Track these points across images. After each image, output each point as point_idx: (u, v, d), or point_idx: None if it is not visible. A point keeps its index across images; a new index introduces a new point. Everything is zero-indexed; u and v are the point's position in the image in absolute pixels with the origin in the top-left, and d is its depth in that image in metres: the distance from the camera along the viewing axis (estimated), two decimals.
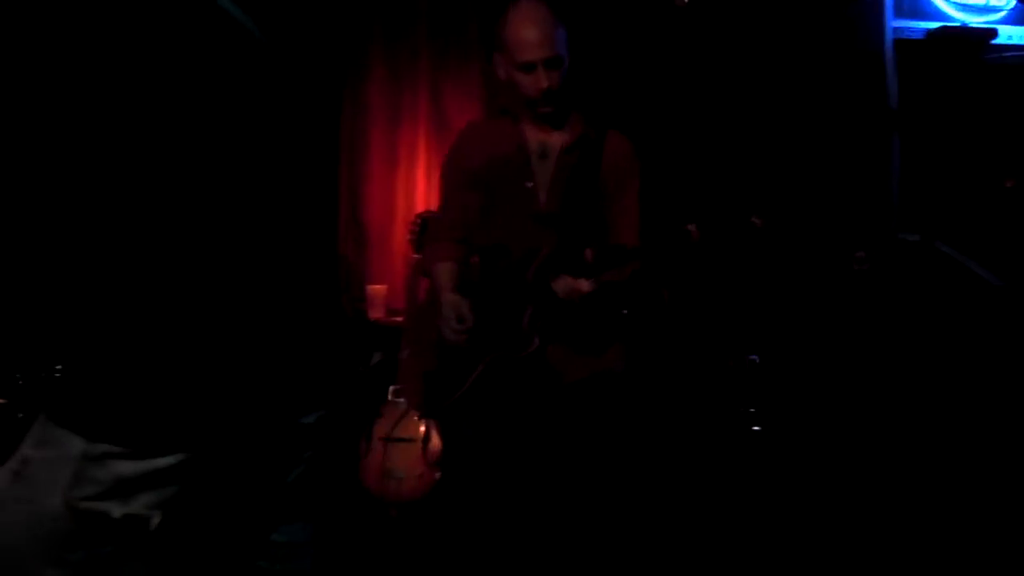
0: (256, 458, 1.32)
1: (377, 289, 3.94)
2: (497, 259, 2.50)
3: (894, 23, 4.41)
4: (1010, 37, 4.48)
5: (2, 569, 1.21)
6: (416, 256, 3.58)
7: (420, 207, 4.08)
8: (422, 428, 3.28)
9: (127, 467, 1.21)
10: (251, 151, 1.28)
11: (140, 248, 1.21)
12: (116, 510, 1.21)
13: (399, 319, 3.81)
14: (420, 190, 4.17)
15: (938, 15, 4.48)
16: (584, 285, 2.33)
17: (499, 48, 2.45)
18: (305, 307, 1.39)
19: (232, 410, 1.26)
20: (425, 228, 3.62)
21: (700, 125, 4.05)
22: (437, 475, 3.25)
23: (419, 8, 4.14)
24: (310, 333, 1.38)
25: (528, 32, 2.36)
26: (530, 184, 2.48)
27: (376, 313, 3.91)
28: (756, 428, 3.61)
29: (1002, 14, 4.51)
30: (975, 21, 4.50)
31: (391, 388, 3.39)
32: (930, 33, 4.42)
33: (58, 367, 1.30)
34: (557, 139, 2.50)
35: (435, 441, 3.27)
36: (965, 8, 4.51)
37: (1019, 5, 4.31)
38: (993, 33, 4.45)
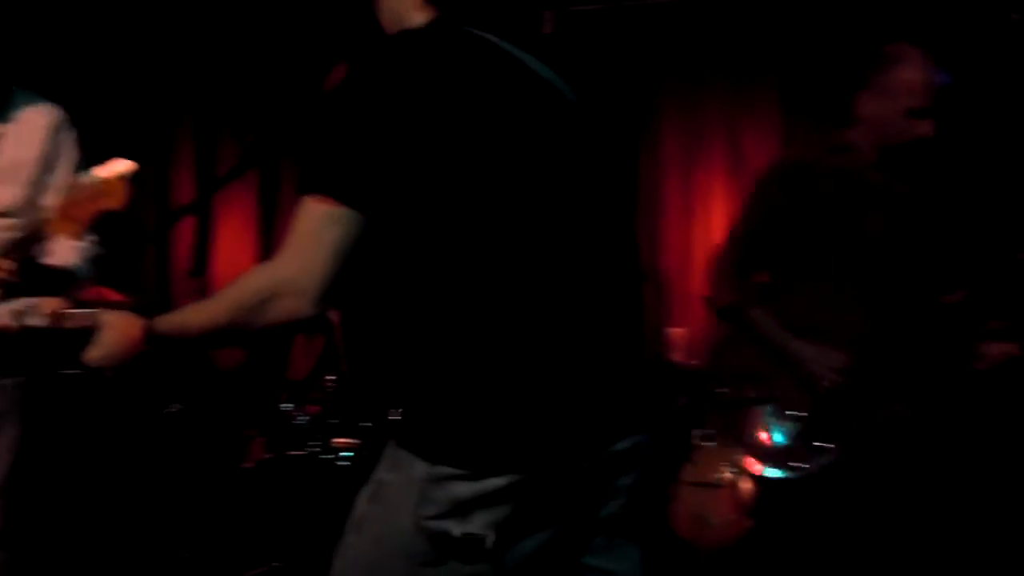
0: (575, 483, 1.35)
1: (678, 332, 3.95)
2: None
3: None
4: None
5: None
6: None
7: None
8: (731, 473, 3.21)
9: (465, 488, 1.27)
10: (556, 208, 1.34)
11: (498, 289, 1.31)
12: (455, 529, 1.28)
13: (700, 362, 3.78)
14: (718, 232, 4.14)
15: None
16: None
17: (870, 87, 2.40)
18: (622, 341, 1.42)
19: (559, 435, 1.31)
20: None
21: None
22: (749, 523, 3.16)
23: (714, 57, 4.15)
24: (625, 365, 1.41)
25: (921, 77, 2.34)
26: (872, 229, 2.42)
27: (678, 356, 3.90)
28: None
29: None
30: None
31: (696, 432, 3.35)
32: None
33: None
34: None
35: (748, 486, 3.18)
36: None
37: None
38: None
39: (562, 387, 1.31)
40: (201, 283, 4.51)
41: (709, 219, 4.17)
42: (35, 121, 2.31)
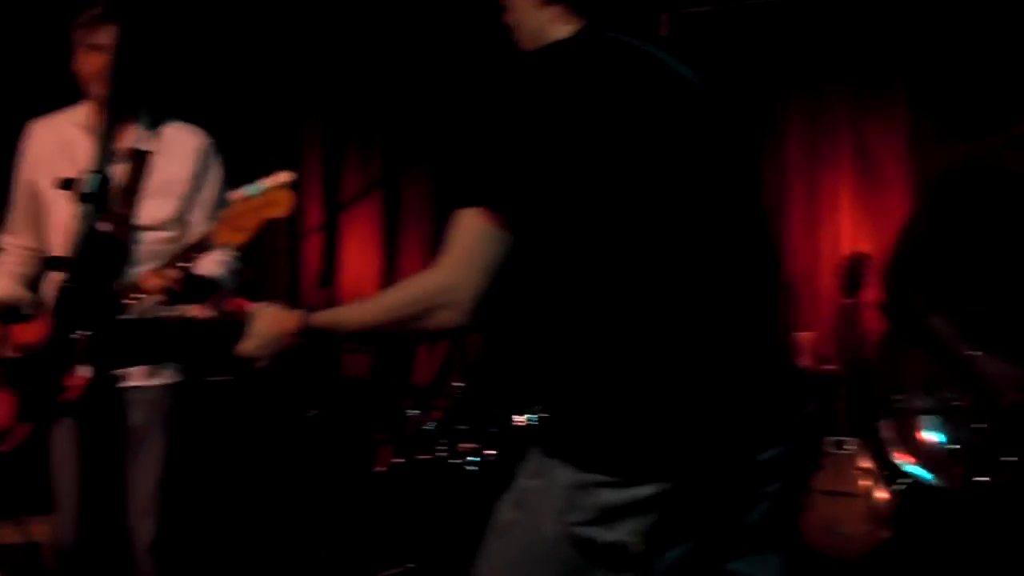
0: (722, 492, 1.33)
1: (805, 337, 3.85)
2: None
3: None
4: None
5: None
6: (848, 301, 3.45)
7: (846, 251, 3.93)
8: (866, 482, 3.11)
9: (614, 495, 1.26)
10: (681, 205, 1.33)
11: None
12: (603, 536, 1.27)
13: (829, 367, 3.68)
14: (845, 233, 4.03)
15: None
16: None
17: None
18: (764, 349, 1.40)
19: (709, 444, 1.29)
20: (855, 272, 3.48)
21: None
22: (886, 533, 3.05)
23: (837, 57, 4.04)
24: (768, 374, 1.38)
25: None
26: None
27: (806, 361, 3.81)
28: None
29: None
30: None
31: (829, 439, 3.27)
32: None
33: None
34: None
35: (882, 496, 3.08)
36: None
37: None
38: None
39: (712, 396, 1.30)
40: (329, 294, 4.67)
41: (835, 222, 4.06)
42: (184, 143, 2.49)
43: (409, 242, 4.68)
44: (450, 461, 3.05)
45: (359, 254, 4.72)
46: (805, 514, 3.18)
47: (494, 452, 3.06)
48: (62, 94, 2.55)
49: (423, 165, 4.59)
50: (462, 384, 3.36)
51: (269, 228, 1.96)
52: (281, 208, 1.96)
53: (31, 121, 2.57)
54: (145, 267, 2.29)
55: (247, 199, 1.96)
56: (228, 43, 4.29)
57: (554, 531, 1.29)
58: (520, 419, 3.16)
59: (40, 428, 2.42)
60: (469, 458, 3.06)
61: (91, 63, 2.40)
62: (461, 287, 1.32)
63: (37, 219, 2.52)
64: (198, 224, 2.46)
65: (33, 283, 2.58)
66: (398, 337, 1.45)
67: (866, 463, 3.17)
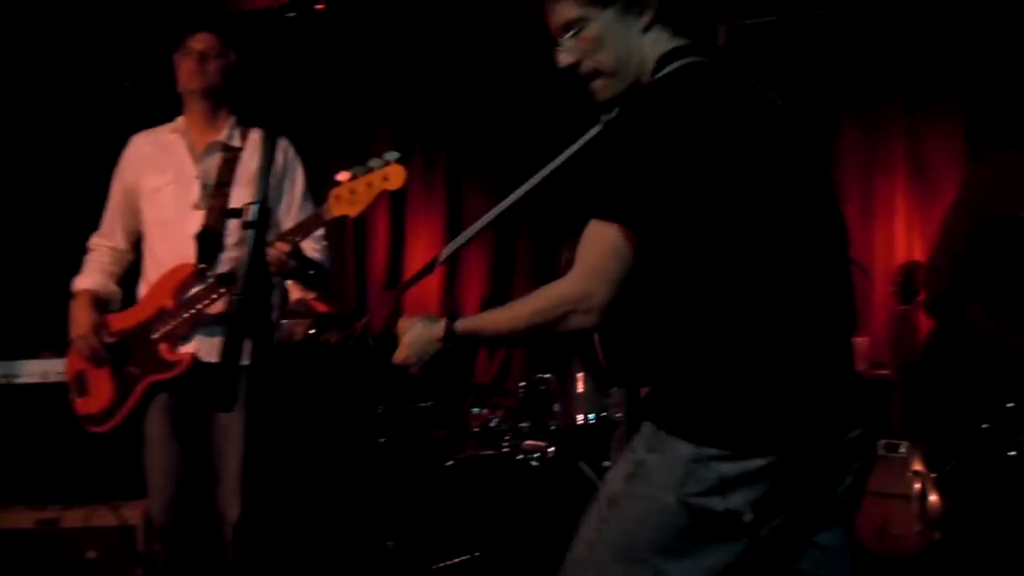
0: (821, 464, 1.47)
1: (859, 342, 3.91)
2: None
3: None
4: None
5: (621, 556, 1.48)
6: (903, 307, 3.51)
7: (900, 258, 3.98)
8: (918, 485, 3.18)
9: (728, 468, 1.42)
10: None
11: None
12: (718, 505, 1.42)
13: (883, 372, 3.73)
14: (900, 240, 4.08)
15: None
16: None
17: None
18: (847, 339, 1.55)
19: (809, 420, 1.44)
20: (910, 278, 3.54)
21: None
22: (937, 535, 3.12)
23: (893, 67, 4.10)
24: (850, 361, 1.54)
25: None
26: None
27: (859, 366, 3.86)
28: None
29: None
30: None
31: (882, 442, 3.33)
32: None
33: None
34: None
35: (934, 499, 3.14)
36: None
37: None
38: None
39: (809, 378, 1.46)
40: (394, 296, 4.85)
41: (890, 229, 4.11)
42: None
43: (471, 246, 4.83)
44: (516, 457, 3.19)
45: (424, 258, 4.89)
46: (857, 514, 3.26)
47: (553, 449, 3.19)
48: (161, 115, 2.79)
49: (487, 170, 4.73)
50: (523, 384, 3.50)
51: (339, 228, 2.15)
52: (395, 180, 2.21)
53: (133, 135, 2.81)
54: (236, 253, 2.51)
55: (356, 177, 2.19)
56: (309, 55, 4.47)
57: (674, 500, 1.44)
58: (580, 418, 3.30)
59: (137, 412, 2.63)
60: (531, 454, 3.20)
61: (185, 66, 2.64)
62: (595, 295, 1.48)
63: (134, 220, 2.75)
64: (287, 216, 2.68)
65: (119, 280, 2.82)
66: (538, 337, 1.58)
67: (919, 466, 3.24)
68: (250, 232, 1.32)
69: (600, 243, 1.48)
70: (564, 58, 1.63)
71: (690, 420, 1.46)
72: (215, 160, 2.67)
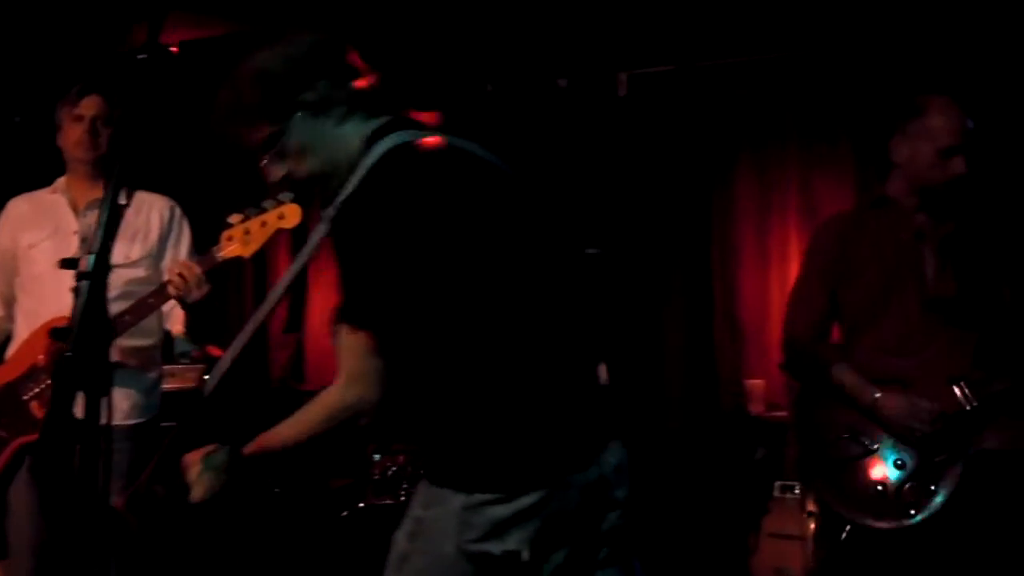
0: (585, 495, 1.53)
1: (756, 384, 3.99)
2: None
3: None
4: None
5: None
6: None
7: None
8: (812, 525, 3.24)
9: (500, 510, 1.47)
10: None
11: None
12: (496, 548, 1.47)
13: (779, 414, 3.81)
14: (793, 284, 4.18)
15: None
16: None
17: (907, 133, 2.53)
18: (588, 382, 1.64)
19: (563, 452, 1.52)
20: None
21: None
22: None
23: (787, 114, 4.25)
24: (595, 398, 1.62)
25: (950, 120, 2.46)
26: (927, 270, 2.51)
27: (756, 408, 3.94)
28: None
29: None
30: None
31: (777, 484, 3.40)
32: None
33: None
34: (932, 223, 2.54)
35: (828, 538, 3.20)
36: None
37: None
38: None
39: (557, 418, 1.55)
40: (296, 339, 4.75)
41: (785, 273, 4.22)
42: (153, 202, 2.76)
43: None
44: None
45: (327, 299, 4.81)
46: (754, 556, 3.30)
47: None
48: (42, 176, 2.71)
49: None
50: None
51: (238, 270, 2.10)
52: (291, 219, 2.17)
53: (12, 199, 2.73)
54: (117, 304, 2.43)
55: (249, 218, 2.15)
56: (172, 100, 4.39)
57: (453, 550, 1.49)
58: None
59: (5, 476, 2.49)
60: None
61: (75, 133, 2.57)
62: (367, 396, 1.57)
63: (11, 282, 2.65)
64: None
65: None
66: (323, 444, 1.64)
67: (812, 507, 3.30)
68: (84, 284, 1.26)
69: (355, 349, 1.55)
70: (275, 173, 1.67)
71: (457, 471, 1.52)
72: (96, 216, 2.58)
